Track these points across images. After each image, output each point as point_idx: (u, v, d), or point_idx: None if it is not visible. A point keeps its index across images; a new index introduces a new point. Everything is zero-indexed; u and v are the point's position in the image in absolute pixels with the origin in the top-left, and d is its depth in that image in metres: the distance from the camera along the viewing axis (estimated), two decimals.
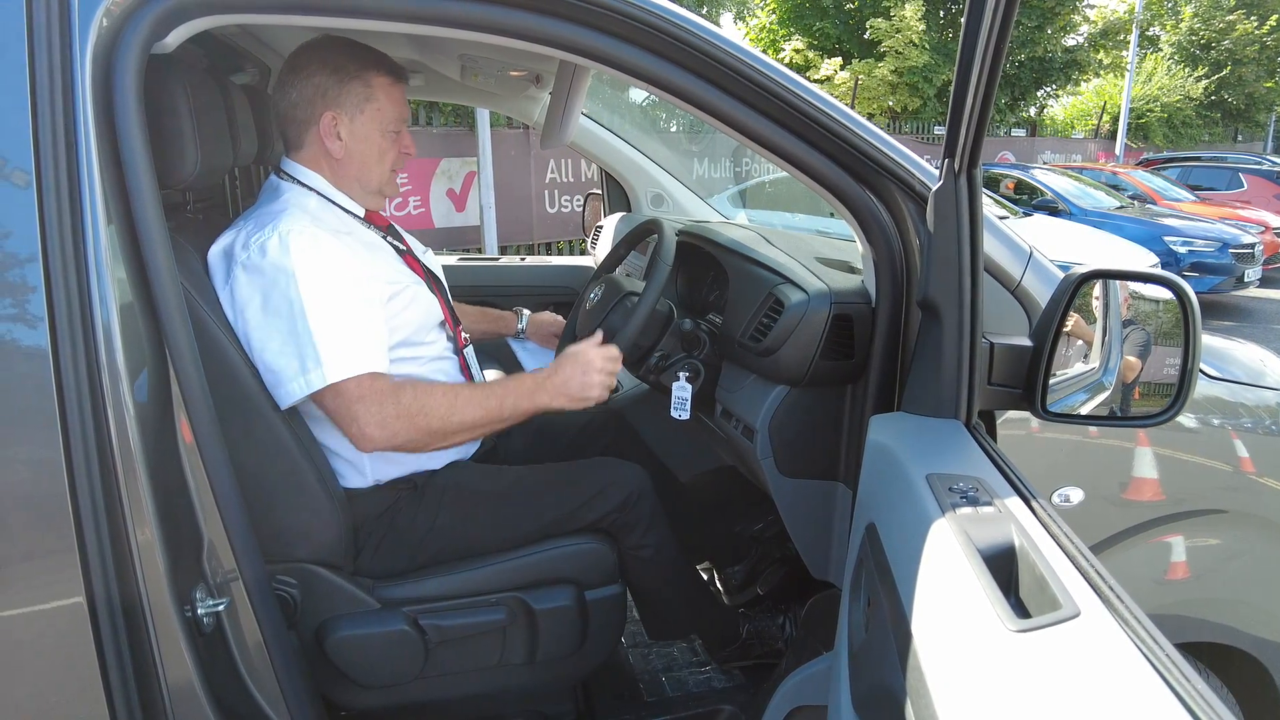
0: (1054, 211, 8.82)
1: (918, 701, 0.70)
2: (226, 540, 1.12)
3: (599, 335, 1.51)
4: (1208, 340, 1.62)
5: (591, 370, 1.44)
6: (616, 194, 2.92)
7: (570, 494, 1.55)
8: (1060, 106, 21.22)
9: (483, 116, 7.76)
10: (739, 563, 2.01)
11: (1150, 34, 20.78)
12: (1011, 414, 1.31)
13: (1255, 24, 20.25)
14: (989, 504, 0.85)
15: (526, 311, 2.10)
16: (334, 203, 1.45)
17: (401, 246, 1.56)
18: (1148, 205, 9.90)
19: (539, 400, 1.41)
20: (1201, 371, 1.44)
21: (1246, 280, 8.24)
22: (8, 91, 0.92)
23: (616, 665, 1.90)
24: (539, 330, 2.08)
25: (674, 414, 1.62)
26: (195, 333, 1.08)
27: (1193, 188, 11.59)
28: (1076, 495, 1.39)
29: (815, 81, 1.46)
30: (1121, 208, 9.26)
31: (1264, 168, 12.27)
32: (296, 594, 1.35)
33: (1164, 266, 7.39)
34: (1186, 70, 20.14)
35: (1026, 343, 1.18)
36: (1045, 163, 14.55)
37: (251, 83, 1.96)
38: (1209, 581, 1.56)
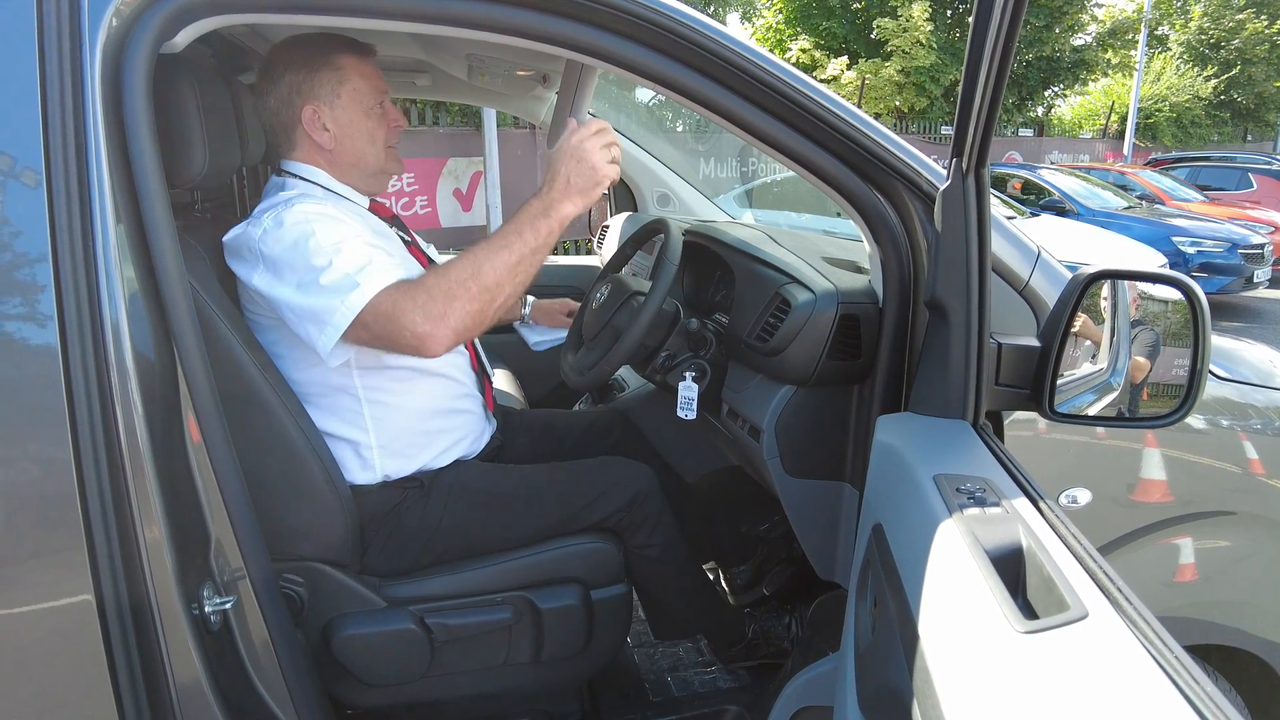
0: (1061, 212, 8.79)
1: (924, 703, 0.69)
2: (233, 538, 1.12)
3: (572, 123, 1.34)
4: (1216, 341, 1.61)
5: (586, 154, 1.29)
6: (623, 194, 2.92)
7: (576, 493, 1.55)
8: (1068, 106, 21.16)
9: (489, 116, 7.78)
10: (745, 563, 2.01)
11: (1159, 33, 20.65)
12: (1019, 415, 1.30)
13: (1265, 23, 20.13)
14: (996, 505, 0.85)
15: (531, 298, 2.09)
16: (338, 195, 1.46)
17: (407, 238, 1.57)
18: (1156, 205, 9.85)
19: (558, 211, 1.28)
20: (1210, 372, 1.43)
21: (1256, 281, 8.19)
22: (18, 91, 0.93)
23: (622, 665, 1.90)
24: (545, 314, 2.07)
25: (680, 414, 1.62)
26: (203, 331, 1.08)
27: (1201, 188, 11.53)
28: (1084, 496, 1.38)
29: (821, 81, 1.46)
30: (1129, 208, 9.22)
31: (1274, 168, 12.17)
32: (303, 592, 1.35)
33: (1172, 267, 7.36)
34: (1195, 70, 20.03)
35: (1034, 343, 1.17)
36: (1053, 163, 14.50)
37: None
38: (1217, 584, 1.56)
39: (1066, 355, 1.17)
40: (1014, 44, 0.91)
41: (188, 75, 1.18)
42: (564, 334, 1.73)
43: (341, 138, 1.44)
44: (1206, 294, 1.16)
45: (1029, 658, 0.63)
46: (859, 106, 1.32)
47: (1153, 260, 6.73)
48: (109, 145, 0.96)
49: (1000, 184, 9.41)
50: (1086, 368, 1.41)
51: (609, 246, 2.81)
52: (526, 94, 2.40)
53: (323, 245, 1.26)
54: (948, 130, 14.89)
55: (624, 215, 2.85)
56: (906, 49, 14.30)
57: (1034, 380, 1.16)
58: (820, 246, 1.85)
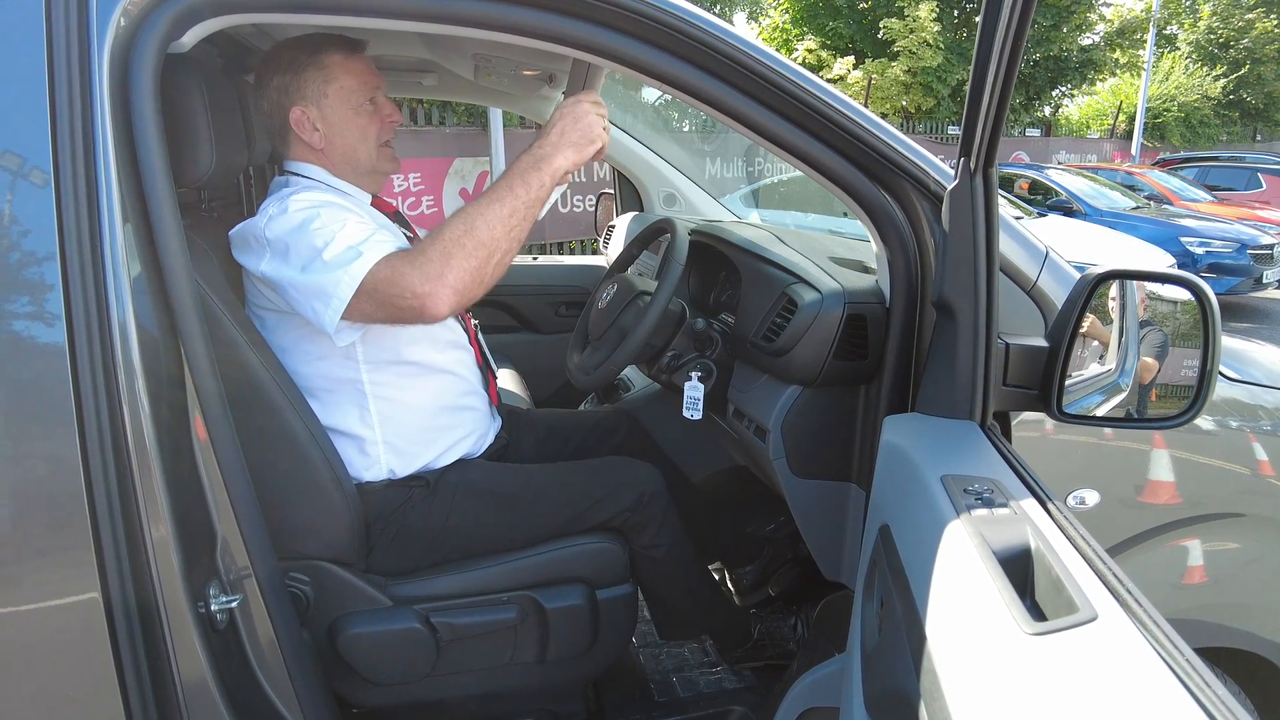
0: (1069, 212, 8.75)
1: (932, 704, 0.69)
2: (239, 537, 1.12)
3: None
4: (1226, 341, 1.60)
5: (582, 114, 1.30)
6: (629, 193, 2.92)
7: (582, 493, 1.55)
8: (1075, 106, 21.05)
9: (495, 117, 7.78)
10: (751, 563, 2.01)
11: (1168, 33, 20.56)
12: (1026, 415, 1.30)
13: (1275, 22, 19.99)
14: (1004, 506, 0.85)
15: None
16: (340, 191, 1.46)
17: (409, 234, 1.57)
18: (1164, 206, 9.80)
19: (550, 164, 1.26)
20: (1220, 373, 1.42)
21: (1265, 282, 8.13)
22: (27, 91, 0.93)
23: (627, 665, 1.90)
24: None
25: (686, 414, 1.61)
26: (210, 330, 1.08)
27: (1210, 188, 11.47)
28: (1092, 498, 1.38)
29: (828, 81, 1.45)
30: (1137, 208, 9.17)
31: None
32: (309, 591, 1.35)
33: (1181, 268, 7.32)
34: (1204, 69, 19.91)
35: (1042, 343, 1.17)
36: (1060, 163, 14.44)
37: None
38: (1227, 586, 1.55)
39: (1074, 356, 1.17)
40: (1023, 42, 0.91)
41: (195, 75, 1.18)
42: None
43: (331, 136, 1.43)
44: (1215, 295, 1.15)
45: (1038, 660, 0.62)
46: (865, 107, 1.31)
47: (1161, 261, 6.69)
48: (117, 145, 0.97)
49: (1007, 184, 9.39)
50: (1094, 368, 1.41)
51: (615, 246, 2.81)
52: (533, 94, 2.40)
53: (326, 224, 1.26)
54: (955, 130, 14.85)
55: (630, 215, 2.85)
56: (913, 49, 14.27)
57: (1042, 381, 1.16)
58: (827, 246, 1.84)
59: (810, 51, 15.32)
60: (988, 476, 0.91)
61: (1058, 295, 1.26)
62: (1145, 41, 17.86)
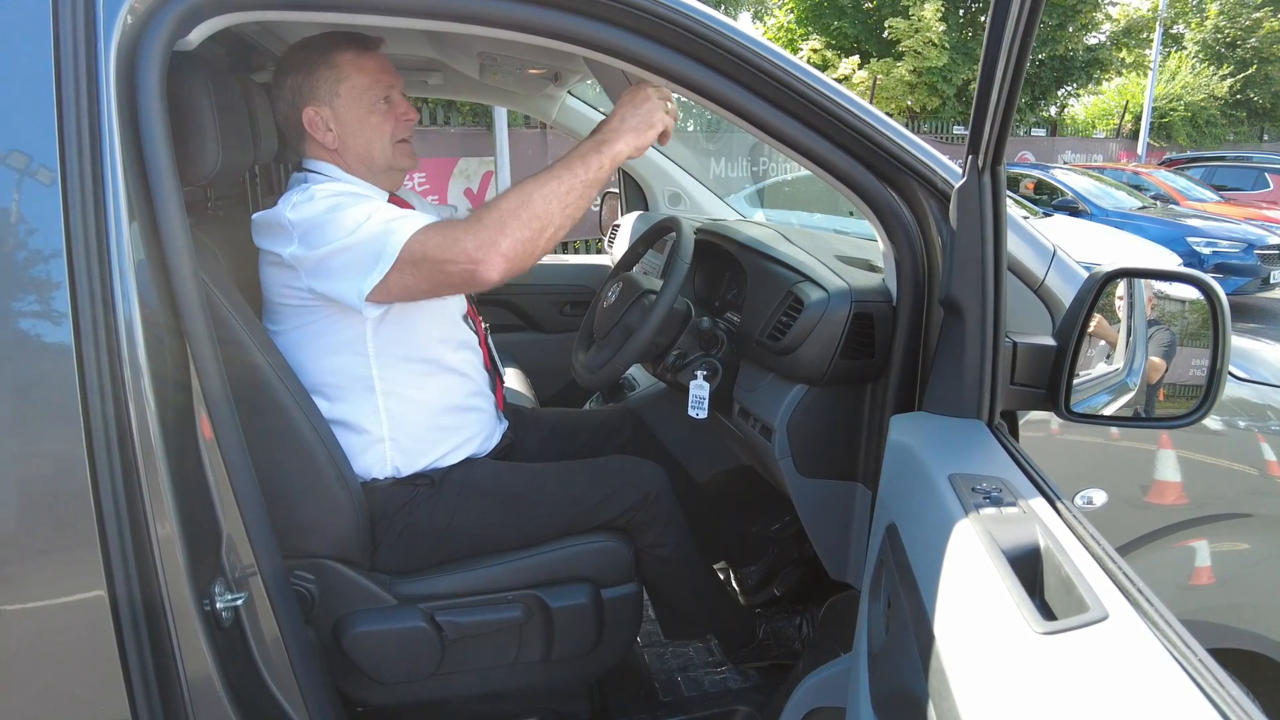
0: (1074, 212, 8.73)
1: (940, 704, 0.69)
2: (245, 535, 1.12)
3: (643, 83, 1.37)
4: (1234, 340, 1.59)
5: (642, 100, 1.31)
6: (634, 193, 2.92)
7: (587, 492, 1.54)
8: (1081, 106, 20.99)
9: (500, 116, 7.79)
10: (756, 563, 2.01)
11: (1174, 32, 20.50)
12: (1033, 415, 1.29)
13: None
14: (1013, 505, 0.84)
15: None
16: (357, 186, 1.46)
17: None
18: (1170, 205, 9.77)
19: (610, 147, 1.28)
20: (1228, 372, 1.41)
21: (1272, 282, 8.10)
22: (34, 89, 0.93)
23: (632, 665, 1.90)
24: None
25: (691, 413, 1.61)
26: (215, 328, 1.08)
27: (1217, 188, 11.42)
28: (1099, 498, 1.37)
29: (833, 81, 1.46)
30: (1143, 208, 9.14)
31: None
32: (314, 589, 1.35)
33: (1187, 267, 7.28)
34: (1211, 69, 19.84)
35: (1050, 342, 1.16)
36: (1066, 163, 14.41)
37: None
38: (1234, 587, 1.54)
39: (1082, 355, 1.16)
40: (1031, 39, 0.90)
41: (201, 73, 1.18)
42: None
43: (345, 136, 1.43)
44: None
45: (1048, 659, 0.62)
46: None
47: (1168, 260, 6.67)
48: (123, 143, 0.97)
49: (1013, 184, 9.37)
50: (1102, 368, 1.40)
51: (620, 245, 2.81)
52: (538, 92, 2.40)
53: (356, 205, 1.28)
54: (960, 130, 14.83)
55: (635, 214, 2.85)
56: (918, 49, 14.25)
57: (1050, 380, 1.15)
58: (833, 245, 1.84)
59: (815, 51, 15.31)
60: (996, 475, 0.91)
61: (1065, 294, 1.25)
62: (1152, 41, 17.80)
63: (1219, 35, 20.72)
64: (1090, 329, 1.17)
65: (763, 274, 1.64)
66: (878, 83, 14.46)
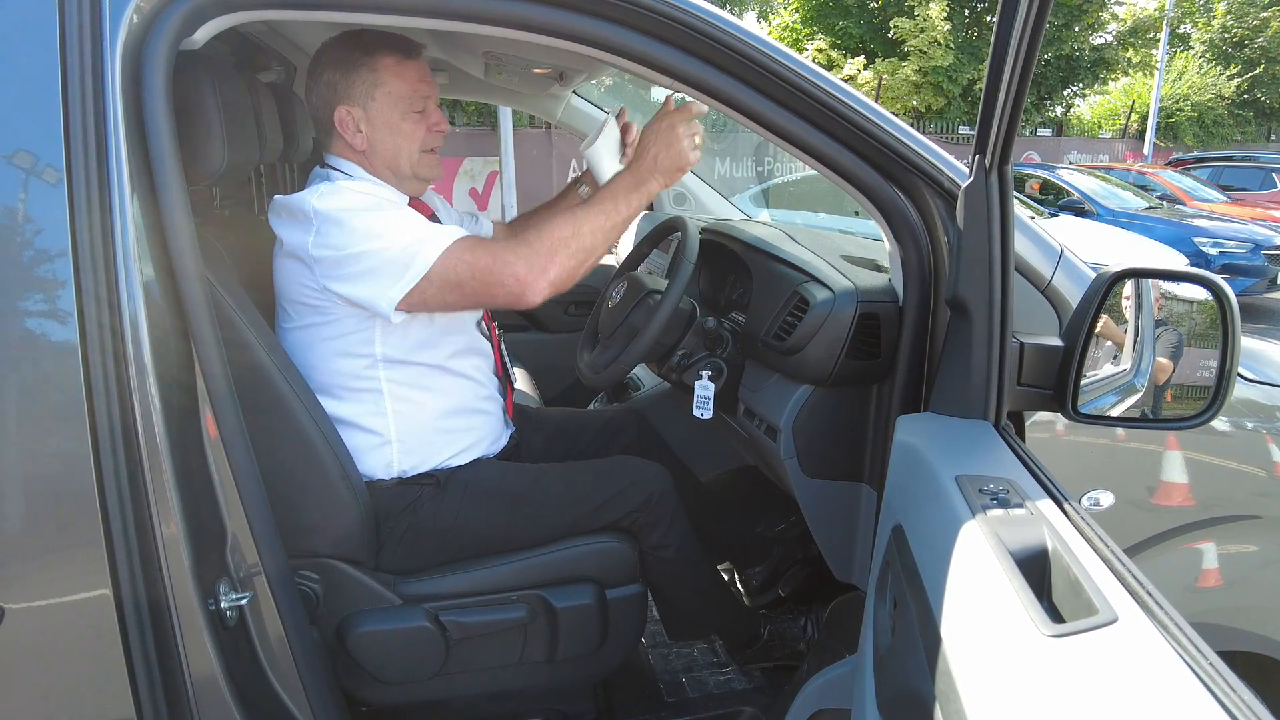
0: (1080, 212, 8.69)
1: (947, 707, 0.68)
2: (250, 534, 1.12)
3: (670, 101, 1.43)
4: (1242, 341, 1.58)
5: (675, 140, 1.36)
6: None
7: (592, 493, 1.54)
8: (1087, 106, 20.95)
9: (505, 116, 7.80)
10: (761, 564, 2.00)
11: (1181, 31, 20.44)
12: (1040, 415, 1.28)
13: None
14: (1020, 506, 0.84)
15: (584, 185, 1.91)
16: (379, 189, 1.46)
17: None
18: (1177, 206, 9.73)
19: (647, 186, 1.37)
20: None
21: (1279, 282, 8.08)
22: (40, 89, 0.93)
23: (636, 665, 1.89)
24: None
25: (696, 413, 1.61)
26: (220, 328, 1.08)
27: (1224, 188, 11.37)
28: (1106, 499, 1.36)
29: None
30: (1150, 208, 9.10)
31: None
32: (318, 589, 1.35)
33: (1195, 268, 7.24)
34: (1218, 68, 19.78)
35: (1057, 343, 1.16)
36: (1072, 163, 14.37)
37: (278, 81, 1.97)
38: (1242, 589, 1.53)
39: (1089, 355, 1.16)
40: (1039, 38, 0.90)
41: (207, 72, 1.18)
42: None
43: (374, 139, 1.42)
44: None
45: (1057, 662, 0.61)
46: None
47: (1175, 261, 6.64)
48: (129, 142, 0.97)
49: (1019, 184, 9.33)
50: (1109, 368, 1.39)
51: (625, 245, 2.80)
52: (543, 92, 2.40)
53: (384, 214, 1.30)
54: (965, 130, 14.81)
55: (640, 214, 2.84)
56: (924, 49, 14.23)
57: (1057, 380, 1.15)
58: (839, 245, 1.83)
59: (820, 51, 15.31)
60: (1003, 477, 0.90)
61: (1073, 294, 1.25)
62: (1158, 40, 17.75)
63: (1226, 35, 20.66)
64: (1098, 329, 1.16)
65: (768, 274, 1.64)
66: (883, 82, 14.44)
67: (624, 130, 1.53)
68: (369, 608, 1.40)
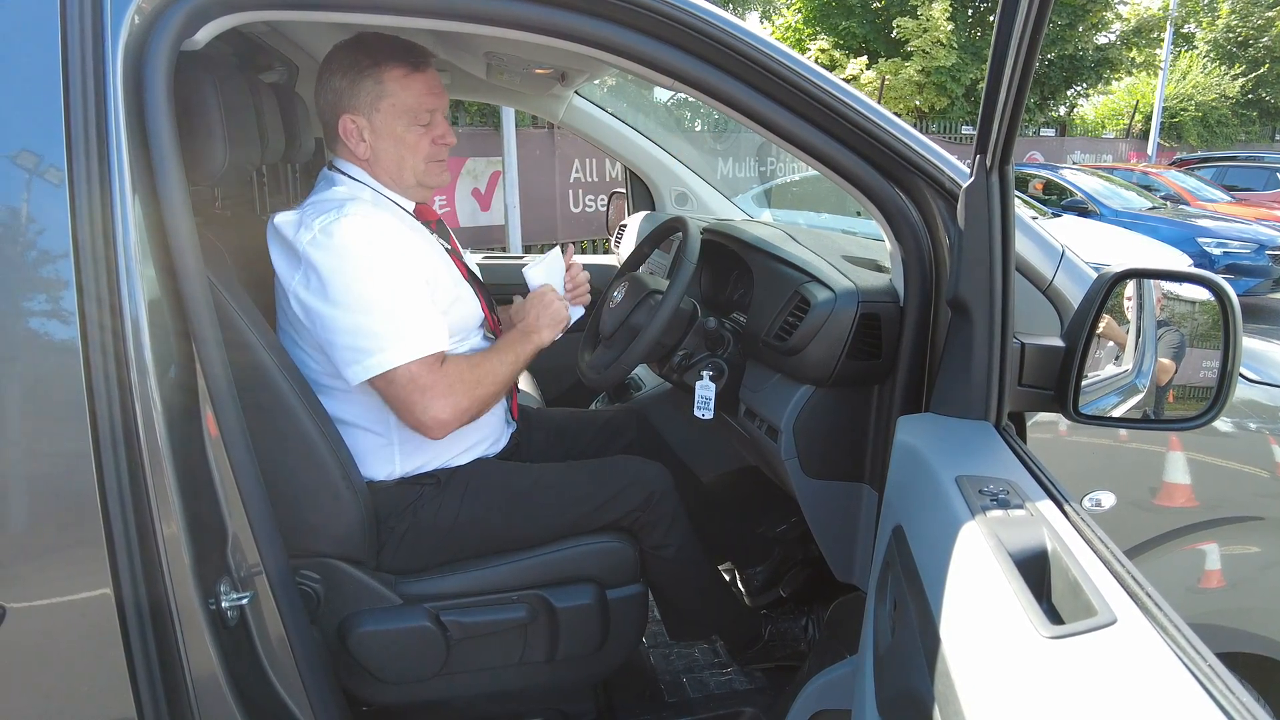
0: (1084, 212, 8.67)
1: (946, 708, 0.68)
2: (250, 534, 1.13)
3: (539, 287, 1.60)
4: (1244, 341, 1.58)
5: (549, 303, 1.54)
6: (641, 193, 2.91)
7: (592, 492, 1.54)
8: (1091, 106, 20.90)
9: (508, 116, 7.79)
10: (761, 564, 2.00)
11: (1185, 31, 20.39)
12: (1041, 416, 1.28)
13: None
14: (1020, 507, 0.83)
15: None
16: (385, 197, 1.46)
17: (449, 246, 1.57)
18: (1181, 206, 9.70)
19: (532, 340, 1.51)
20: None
21: None
22: (42, 89, 0.94)
23: (637, 665, 1.89)
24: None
25: (697, 413, 1.61)
26: (222, 329, 1.09)
27: (1228, 188, 11.34)
28: (1108, 500, 1.36)
29: (841, 81, 1.44)
30: (1153, 209, 9.08)
31: None
32: (319, 589, 1.35)
33: (1197, 268, 7.22)
34: (1223, 68, 19.73)
35: (1058, 343, 1.15)
36: (1075, 163, 14.33)
37: (280, 81, 1.98)
38: (1245, 590, 1.53)
39: (1091, 356, 1.15)
40: (1040, 37, 0.90)
41: (208, 73, 1.18)
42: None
43: (378, 148, 1.42)
44: None
45: (1055, 663, 0.61)
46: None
47: (1178, 261, 6.62)
48: (130, 142, 0.97)
49: (1021, 184, 9.32)
50: (1111, 369, 1.39)
51: (626, 245, 2.80)
52: (545, 92, 2.40)
53: (375, 268, 1.30)
54: (968, 130, 14.76)
55: (642, 214, 2.85)
56: (927, 49, 14.21)
57: (1058, 381, 1.14)
58: (840, 245, 1.83)
59: (823, 51, 15.28)
60: (1003, 477, 0.90)
61: (1074, 294, 1.24)
62: (1162, 40, 17.71)
63: (1230, 34, 20.60)
64: (1099, 330, 1.16)
65: (769, 274, 1.64)
66: (886, 83, 14.42)
67: (569, 266, 1.66)
68: (370, 607, 1.40)
